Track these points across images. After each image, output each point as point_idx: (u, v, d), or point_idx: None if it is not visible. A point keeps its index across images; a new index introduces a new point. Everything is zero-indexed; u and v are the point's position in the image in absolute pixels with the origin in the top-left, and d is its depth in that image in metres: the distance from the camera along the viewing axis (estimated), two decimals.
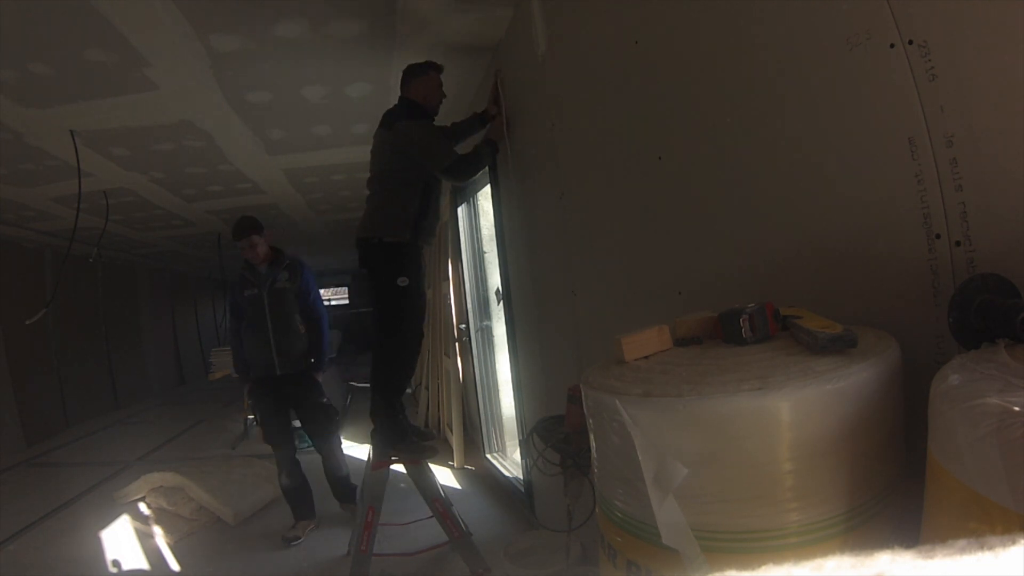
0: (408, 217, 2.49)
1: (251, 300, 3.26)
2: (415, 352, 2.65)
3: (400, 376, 2.62)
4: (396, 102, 2.65)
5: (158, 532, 3.37)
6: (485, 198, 3.73)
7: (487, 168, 3.20)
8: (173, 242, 7.65)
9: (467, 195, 4.10)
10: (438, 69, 2.62)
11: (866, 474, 0.71)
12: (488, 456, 4.13)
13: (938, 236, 0.79)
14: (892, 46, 0.82)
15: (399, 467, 2.68)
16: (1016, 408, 0.48)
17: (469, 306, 4.23)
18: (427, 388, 5.55)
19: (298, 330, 3.31)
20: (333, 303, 16.50)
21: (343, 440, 3.68)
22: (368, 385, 2.74)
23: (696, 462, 0.72)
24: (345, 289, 16.29)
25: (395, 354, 2.56)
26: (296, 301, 3.32)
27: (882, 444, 0.73)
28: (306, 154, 4.36)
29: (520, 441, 3.31)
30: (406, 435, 2.61)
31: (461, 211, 4.26)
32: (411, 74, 2.60)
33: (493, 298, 4.03)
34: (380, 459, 2.62)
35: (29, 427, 6.05)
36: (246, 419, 6.02)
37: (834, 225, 0.97)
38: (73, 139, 3.33)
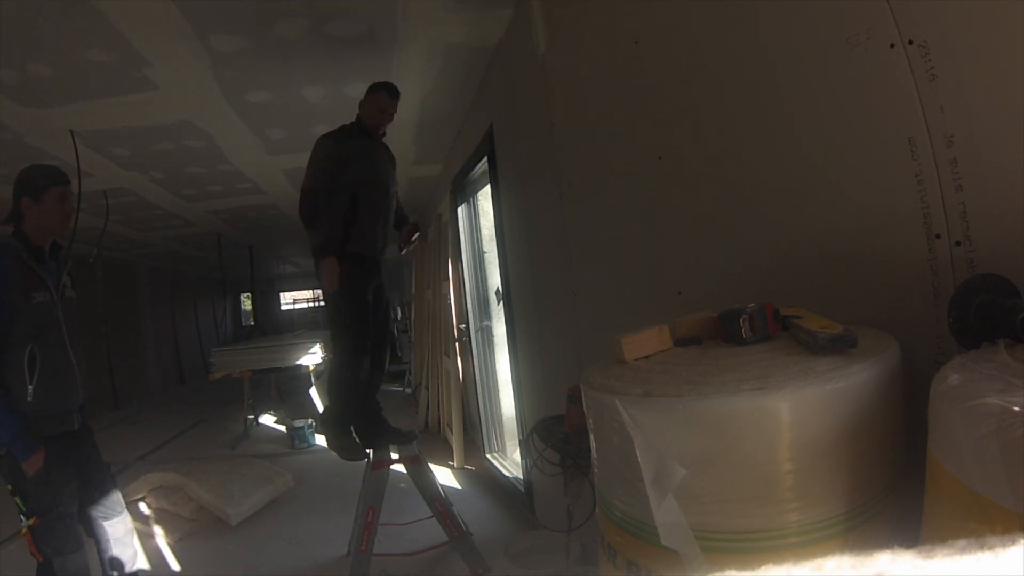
0: (334, 229, 2.53)
1: (41, 309, 2.01)
2: (361, 356, 2.67)
3: (350, 379, 2.65)
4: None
5: (158, 532, 3.37)
6: (485, 198, 3.73)
7: (487, 168, 3.21)
8: (173, 242, 7.66)
9: (467, 195, 4.10)
10: (389, 91, 2.62)
11: (866, 474, 0.71)
12: (488, 456, 4.13)
13: (938, 236, 0.79)
14: (892, 46, 0.82)
15: (399, 468, 2.69)
16: (1016, 408, 0.48)
17: (469, 306, 4.23)
18: (427, 388, 5.55)
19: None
20: None
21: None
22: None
23: (696, 462, 0.72)
24: None
25: (343, 359, 2.63)
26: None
27: (882, 444, 0.73)
28: (306, 154, 4.33)
29: (520, 441, 3.31)
30: (347, 433, 2.68)
31: (461, 211, 4.26)
32: (368, 90, 2.66)
33: (493, 298, 4.03)
34: (379, 459, 2.63)
35: None
36: (246, 419, 6.03)
37: (834, 225, 0.97)
38: (73, 139, 3.33)
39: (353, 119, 2.67)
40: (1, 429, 1.91)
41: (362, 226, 2.60)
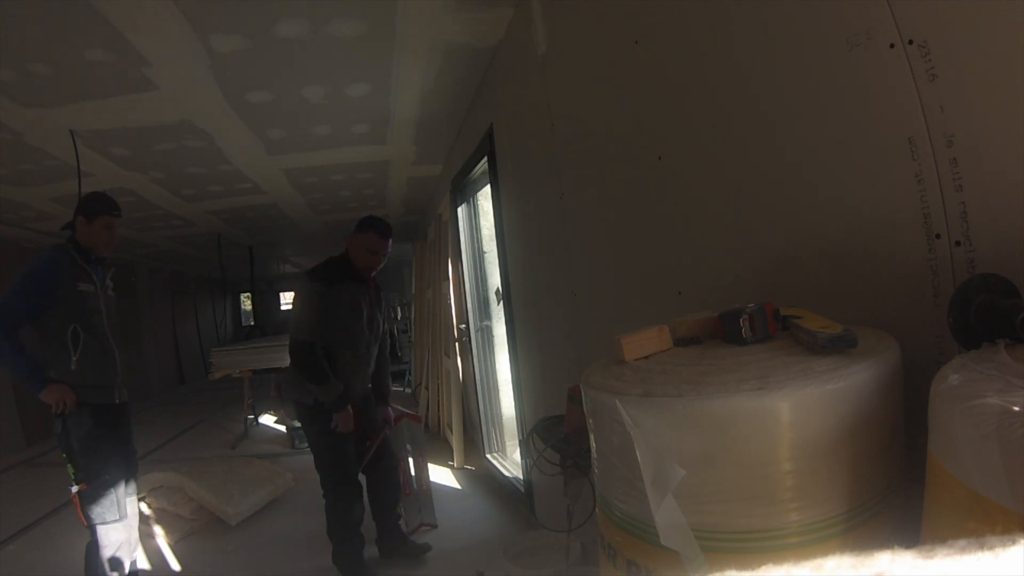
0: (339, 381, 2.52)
1: (84, 297, 2.40)
2: (339, 485, 2.67)
3: (337, 514, 2.67)
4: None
5: (158, 532, 3.37)
6: (485, 198, 3.73)
7: (487, 168, 3.21)
8: (173, 242, 7.65)
9: (467, 195, 4.10)
10: (378, 231, 2.56)
11: (866, 474, 0.71)
12: (488, 456, 4.12)
13: (938, 236, 0.79)
14: (892, 46, 0.82)
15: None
16: (1016, 408, 0.48)
17: (469, 306, 4.23)
18: (427, 388, 5.55)
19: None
20: None
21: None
22: None
23: (696, 462, 0.72)
24: None
25: (326, 497, 2.69)
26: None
27: (882, 444, 0.73)
28: (306, 154, 4.36)
29: (520, 441, 3.31)
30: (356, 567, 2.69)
31: (461, 211, 4.26)
32: (356, 226, 2.61)
33: (493, 298, 4.03)
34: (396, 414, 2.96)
35: (29, 427, 6.05)
36: (246, 419, 6.03)
37: (834, 225, 0.97)
38: (73, 139, 3.33)
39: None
40: (17, 367, 2.25)
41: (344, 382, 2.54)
